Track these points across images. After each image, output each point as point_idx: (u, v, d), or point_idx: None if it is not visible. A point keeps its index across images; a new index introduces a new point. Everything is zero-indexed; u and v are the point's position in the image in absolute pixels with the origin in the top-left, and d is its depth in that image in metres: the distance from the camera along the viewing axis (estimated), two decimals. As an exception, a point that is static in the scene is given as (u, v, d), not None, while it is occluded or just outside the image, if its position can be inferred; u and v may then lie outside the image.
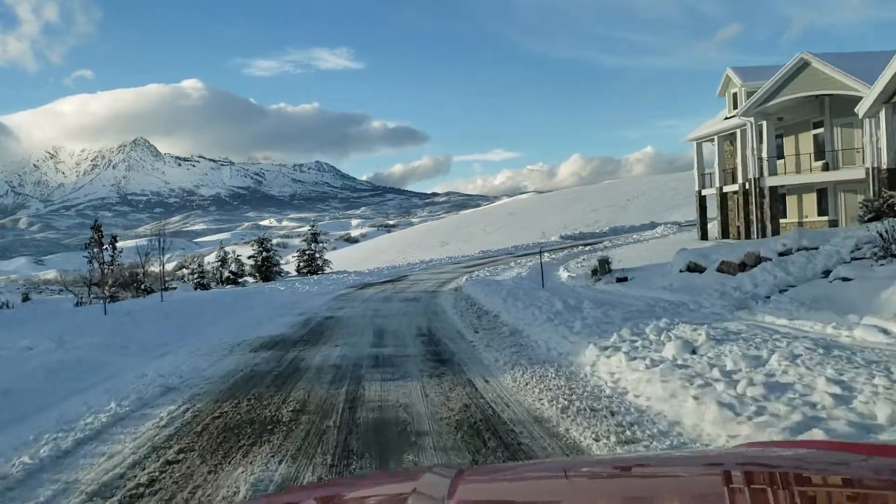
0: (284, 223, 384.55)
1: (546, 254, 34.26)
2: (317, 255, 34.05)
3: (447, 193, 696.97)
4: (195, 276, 32.28)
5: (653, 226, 51.16)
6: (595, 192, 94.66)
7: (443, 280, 26.53)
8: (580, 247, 38.21)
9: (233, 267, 32.86)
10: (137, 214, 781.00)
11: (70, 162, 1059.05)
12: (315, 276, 31.01)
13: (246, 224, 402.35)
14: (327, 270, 33.66)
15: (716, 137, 30.04)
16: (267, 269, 32.66)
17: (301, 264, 34.59)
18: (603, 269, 18.93)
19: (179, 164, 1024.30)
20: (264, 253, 33.27)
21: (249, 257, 33.86)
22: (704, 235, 31.52)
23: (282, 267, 33.38)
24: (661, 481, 1.72)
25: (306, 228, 34.63)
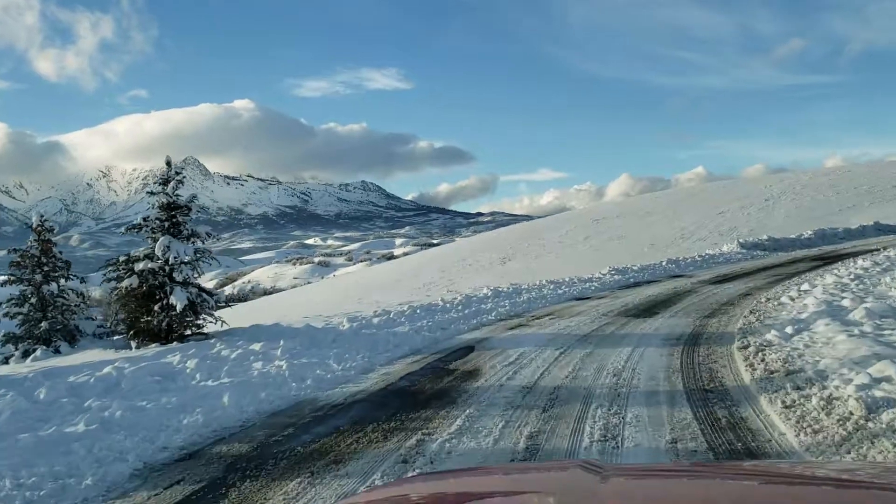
0: (329, 242, 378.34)
1: (841, 268, 13.09)
2: (176, 279, 10.77)
3: (492, 213, 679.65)
4: None
5: (882, 228, 29.77)
6: (709, 192, 71.59)
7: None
8: (836, 260, 17.25)
9: None
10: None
11: (122, 181, 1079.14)
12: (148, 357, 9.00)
13: (291, 243, 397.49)
14: (211, 328, 11.41)
15: None
16: None
17: (130, 307, 10.84)
18: None
19: (228, 183, 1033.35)
20: None
21: None
22: None
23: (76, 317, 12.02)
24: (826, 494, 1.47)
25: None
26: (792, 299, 11.15)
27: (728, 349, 7.73)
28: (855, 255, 20.31)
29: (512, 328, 10.89)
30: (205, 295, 10.73)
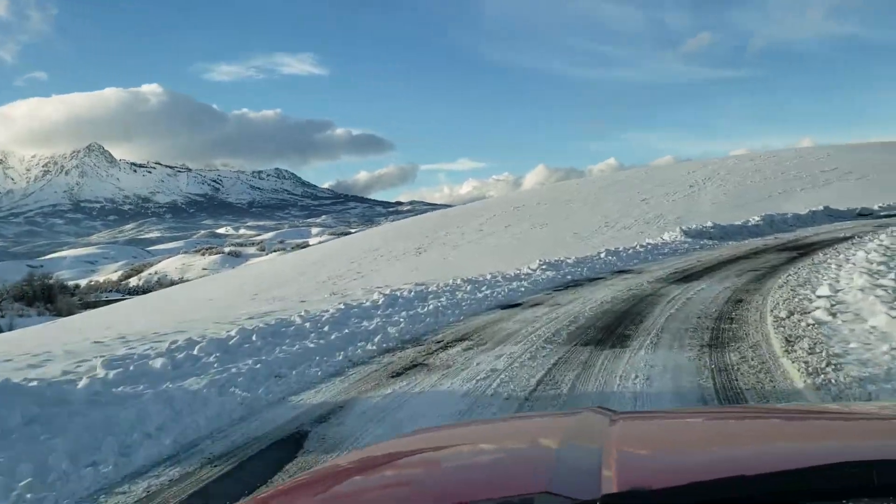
0: (242, 231, 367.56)
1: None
2: None
3: (411, 202, 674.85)
4: None
5: (833, 214, 27.10)
6: (629, 179, 70.13)
7: None
8: (811, 250, 13.92)
9: None
10: (91, 222, 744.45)
11: (20, 168, 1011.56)
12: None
13: (202, 232, 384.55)
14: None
15: None
16: None
17: None
18: None
19: (135, 171, 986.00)
20: None
21: None
22: None
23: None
24: (824, 429, 1.46)
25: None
26: (832, 315, 7.27)
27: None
28: (830, 243, 17.05)
29: (397, 374, 6.36)
30: None
